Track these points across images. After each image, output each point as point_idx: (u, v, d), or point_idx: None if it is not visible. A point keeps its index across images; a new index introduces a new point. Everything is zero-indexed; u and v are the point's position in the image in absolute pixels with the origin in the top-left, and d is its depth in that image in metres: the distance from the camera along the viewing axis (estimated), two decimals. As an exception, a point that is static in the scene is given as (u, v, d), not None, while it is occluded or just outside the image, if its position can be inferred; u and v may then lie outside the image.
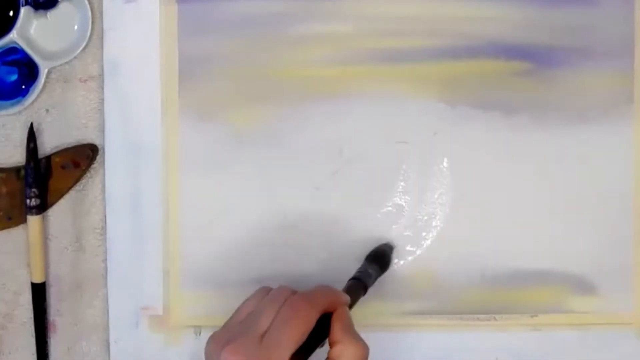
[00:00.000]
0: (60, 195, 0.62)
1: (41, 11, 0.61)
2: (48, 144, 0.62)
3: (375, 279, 0.58)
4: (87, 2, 0.60)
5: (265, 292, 0.52)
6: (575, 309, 0.61)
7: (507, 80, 0.61)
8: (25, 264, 0.62)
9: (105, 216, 0.62)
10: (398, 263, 0.61)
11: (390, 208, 0.62)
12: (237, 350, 0.47)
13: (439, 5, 0.61)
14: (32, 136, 0.60)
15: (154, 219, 0.61)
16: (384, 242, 0.61)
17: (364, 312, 0.61)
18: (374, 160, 0.62)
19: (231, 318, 0.52)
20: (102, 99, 0.61)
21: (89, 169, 0.62)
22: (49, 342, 0.62)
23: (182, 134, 0.61)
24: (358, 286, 0.56)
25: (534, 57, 0.61)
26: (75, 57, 0.61)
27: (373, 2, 0.61)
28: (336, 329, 0.50)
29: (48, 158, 0.61)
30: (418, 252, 0.62)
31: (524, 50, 0.61)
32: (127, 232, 0.62)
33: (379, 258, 0.60)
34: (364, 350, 0.49)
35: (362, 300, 0.61)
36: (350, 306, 0.54)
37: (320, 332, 0.50)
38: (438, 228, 0.62)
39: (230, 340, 0.48)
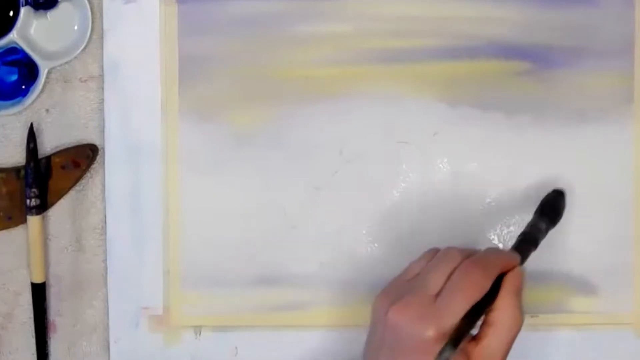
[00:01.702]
0: (60, 195, 0.62)
1: (41, 11, 0.61)
2: (48, 144, 0.62)
3: (547, 231, 0.56)
4: (87, 2, 0.60)
5: (434, 253, 0.52)
6: (575, 309, 0.61)
7: (507, 80, 0.61)
8: (25, 264, 0.62)
9: (105, 216, 0.62)
10: (398, 263, 0.61)
11: (390, 208, 0.62)
12: (407, 308, 0.47)
13: (439, 5, 0.61)
14: (32, 136, 0.60)
15: (154, 219, 0.61)
16: (552, 188, 0.59)
17: (364, 313, 0.61)
18: (374, 160, 0.62)
19: (398, 277, 0.52)
20: (102, 99, 0.61)
21: (89, 169, 0.62)
22: (49, 342, 0.62)
23: (182, 134, 0.61)
24: (528, 242, 0.55)
25: (534, 57, 0.61)
26: (75, 57, 0.61)
27: (373, 2, 0.61)
28: (502, 294, 0.49)
29: (48, 158, 0.61)
30: (418, 252, 0.61)
31: (524, 50, 0.61)
32: (127, 232, 0.62)
33: (548, 209, 0.58)
34: (519, 323, 0.49)
35: (362, 301, 0.61)
36: (521, 263, 0.53)
37: (489, 294, 0.49)
38: (438, 228, 0.62)
39: (398, 298, 0.48)
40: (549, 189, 0.59)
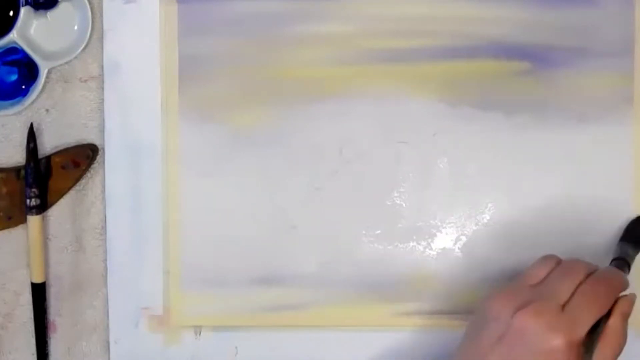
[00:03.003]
0: (60, 195, 0.62)
1: (41, 11, 0.61)
2: (48, 144, 0.62)
3: (634, 256, 0.58)
4: (87, 2, 0.60)
5: (554, 261, 0.53)
6: (575, 309, 0.61)
7: (507, 80, 0.61)
8: (25, 264, 0.62)
9: (105, 216, 0.62)
10: (398, 263, 0.61)
11: (390, 208, 0.62)
12: (538, 314, 0.48)
13: (439, 5, 0.61)
14: (32, 136, 0.60)
15: (154, 219, 0.61)
16: (635, 216, 0.61)
17: (364, 313, 0.61)
18: (374, 160, 0.62)
19: (517, 281, 0.52)
20: (102, 99, 0.61)
21: (89, 169, 0.62)
22: (49, 342, 0.62)
23: (182, 134, 0.61)
24: (624, 268, 0.56)
25: (534, 57, 0.61)
26: (75, 57, 0.61)
27: (373, 2, 0.61)
28: (614, 317, 0.50)
29: (48, 158, 0.61)
30: (418, 252, 0.62)
31: (524, 50, 0.61)
32: (127, 232, 0.62)
33: (633, 236, 0.59)
34: (622, 346, 0.50)
35: (362, 301, 0.61)
36: None
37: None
38: (438, 228, 0.62)
39: (526, 303, 0.49)
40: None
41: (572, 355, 0.48)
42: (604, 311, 0.50)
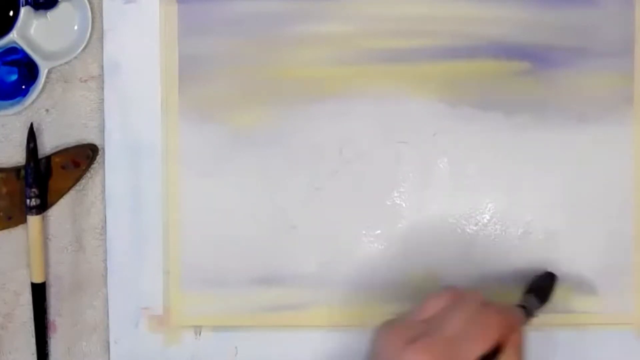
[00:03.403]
0: (60, 195, 0.62)
1: (41, 11, 0.61)
2: (48, 144, 0.62)
3: (537, 310, 0.57)
4: (87, 2, 0.60)
5: (452, 293, 0.52)
6: (575, 309, 0.61)
7: (507, 80, 0.61)
8: (25, 264, 0.62)
9: (105, 216, 0.62)
10: (398, 263, 0.61)
11: (390, 208, 0.62)
12: (427, 350, 0.47)
13: (439, 5, 0.61)
14: (32, 136, 0.60)
15: (154, 219, 0.61)
16: (545, 271, 0.60)
17: (364, 313, 0.61)
18: (374, 160, 0.62)
19: (411, 314, 0.52)
20: (102, 99, 0.61)
21: (89, 169, 0.62)
22: (49, 342, 0.62)
23: (182, 134, 0.61)
24: (526, 310, 0.55)
25: (534, 57, 0.61)
26: (75, 57, 0.61)
27: (373, 2, 0.61)
28: (508, 351, 0.50)
29: (48, 158, 0.61)
30: (418, 252, 0.62)
31: (524, 50, 0.61)
32: (127, 232, 0.62)
33: (539, 291, 0.58)
34: None
35: (362, 301, 0.61)
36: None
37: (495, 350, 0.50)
38: (438, 228, 0.62)
39: (416, 338, 0.48)
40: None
41: None
42: (491, 344, 0.49)
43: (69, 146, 0.62)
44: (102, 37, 0.61)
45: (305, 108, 0.61)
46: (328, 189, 0.62)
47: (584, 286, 0.61)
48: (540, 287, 0.59)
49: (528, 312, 0.55)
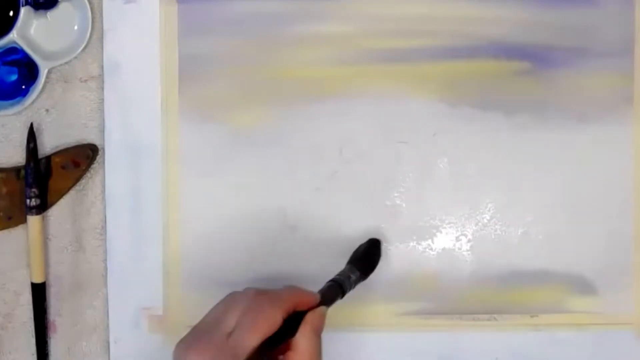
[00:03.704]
0: (60, 195, 0.62)
1: (41, 11, 0.61)
2: (48, 144, 0.62)
3: (356, 282, 0.57)
4: (87, 2, 0.60)
5: (232, 296, 0.52)
6: (575, 309, 0.61)
7: (507, 80, 0.61)
8: (25, 264, 0.62)
9: (105, 216, 0.62)
10: (398, 263, 0.61)
11: (390, 208, 0.62)
12: (203, 350, 0.48)
13: (439, 5, 0.61)
14: (32, 136, 0.60)
15: (154, 219, 0.61)
16: (371, 237, 0.60)
17: (364, 313, 0.61)
18: (374, 160, 0.62)
19: (198, 323, 0.51)
20: (102, 99, 0.61)
21: (89, 169, 0.62)
22: (49, 342, 0.62)
23: (182, 134, 0.61)
24: (335, 289, 0.55)
25: (534, 57, 0.61)
26: (75, 57, 0.61)
27: (373, 2, 0.61)
28: (300, 332, 0.50)
29: (48, 158, 0.61)
30: (418, 252, 0.62)
31: (524, 50, 0.61)
32: (127, 232, 0.62)
33: (360, 261, 0.58)
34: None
35: (362, 301, 0.61)
36: (324, 305, 0.53)
37: (286, 332, 0.50)
38: (438, 228, 0.62)
39: (195, 342, 0.48)
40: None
41: None
42: (267, 328, 0.49)
43: (69, 146, 0.62)
44: (102, 37, 0.61)
45: (305, 108, 0.61)
46: (328, 189, 0.62)
47: (584, 286, 0.61)
48: (359, 258, 0.59)
49: (339, 287, 0.55)
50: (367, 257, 0.59)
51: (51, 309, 0.62)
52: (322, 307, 0.52)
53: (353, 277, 0.56)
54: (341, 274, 0.56)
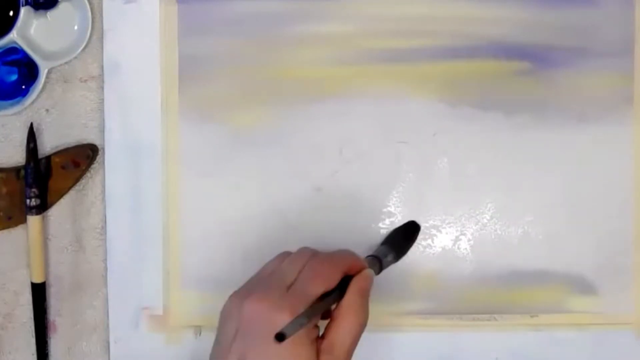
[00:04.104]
0: (60, 195, 0.62)
1: (41, 11, 0.61)
2: (48, 144, 0.62)
3: (390, 264, 0.58)
4: (87, 2, 0.60)
5: (286, 254, 0.54)
6: (575, 309, 0.61)
7: (507, 80, 0.61)
8: (25, 264, 0.62)
9: (105, 216, 0.62)
10: (398, 263, 0.61)
11: (390, 208, 0.62)
12: (262, 299, 0.49)
13: (439, 5, 0.61)
14: (32, 136, 0.60)
15: (154, 219, 0.61)
16: (408, 220, 0.61)
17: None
18: (374, 160, 0.62)
19: (252, 277, 0.53)
20: (102, 99, 0.61)
21: (89, 169, 0.62)
22: (49, 342, 0.62)
23: (182, 134, 0.61)
24: (374, 264, 0.56)
25: (534, 57, 0.61)
26: (75, 57, 0.61)
27: (373, 2, 0.61)
28: (348, 293, 0.51)
29: (48, 158, 0.61)
30: (418, 252, 0.62)
31: (524, 50, 0.61)
32: (127, 232, 0.62)
33: (397, 243, 0.60)
34: (361, 322, 0.51)
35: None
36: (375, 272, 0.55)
37: (339, 292, 0.51)
38: (438, 228, 0.62)
39: (253, 292, 0.50)
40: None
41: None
42: (325, 284, 0.50)
43: (69, 146, 0.62)
44: (102, 37, 0.61)
45: (305, 108, 0.61)
46: (328, 189, 0.62)
47: (584, 286, 0.61)
48: (396, 240, 0.60)
49: (378, 262, 0.56)
50: (403, 239, 0.60)
51: (51, 309, 0.62)
52: (369, 270, 0.54)
53: (389, 257, 0.58)
54: (378, 251, 0.58)
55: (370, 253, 0.58)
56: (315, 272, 0.51)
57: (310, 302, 0.49)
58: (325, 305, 0.50)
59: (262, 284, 0.51)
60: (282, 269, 0.52)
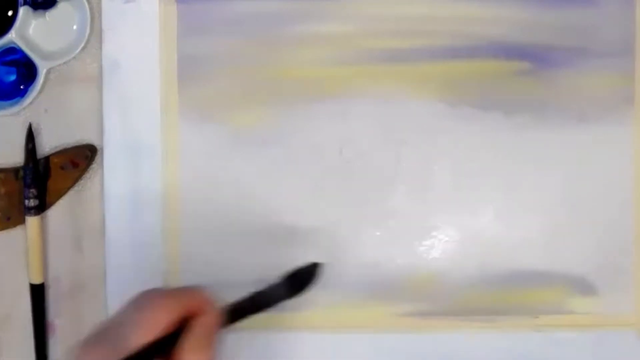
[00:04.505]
0: (59, 195, 0.62)
1: (40, 11, 0.61)
2: (47, 145, 0.62)
3: (281, 300, 0.53)
4: (86, 2, 0.60)
5: (135, 294, 0.50)
6: (575, 310, 0.61)
7: (507, 80, 0.61)
8: (24, 264, 0.62)
9: (104, 217, 0.62)
10: (398, 263, 0.61)
11: (390, 208, 0.62)
12: (95, 345, 0.46)
13: (439, 5, 0.61)
14: (30, 136, 0.60)
15: (153, 219, 0.61)
16: (310, 263, 0.55)
17: (363, 314, 0.61)
18: (374, 160, 0.61)
19: (101, 323, 0.50)
20: (101, 99, 0.61)
21: (88, 169, 0.62)
22: (48, 343, 0.62)
23: (181, 134, 0.61)
24: (252, 301, 0.52)
25: (534, 57, 0.61)
26: (74, 57, 0.61)
27: (373, 2, 0.61)
28: (198, 335, 0.47)
29: (47, 158, 0.61)
30: (418, 253, 0.62)
31: (524, 50, 0.61)
32: (126, 233, 0.61)
33: (290, 277, 0.54)
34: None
35: (361, 302, 0.61)
36: (232, 319, 0.51)
37: (173, 339, 0.47)
38: (438, 228, 0.62)
39: (87, 341, 0.47)
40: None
41: None
42: (149, 328, 0.46)
43: (67, 146, 0.62)
44: (101, 37, 0.61)
45: (305, 108, 0.61)
46: (328, 189, 0.62)
47: (585, 287, 0.61)
48: (295, 279, 0.54)
49: (263, 300, 0.52)
50: (299, 275, 0.54)
51: (50, 310, 0.62)
52: (214, 313, 0.49)
53: (280, 293, 0.53)
54: (270, 286, 0.53)
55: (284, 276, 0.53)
56: (144, 314, 0.47)
57: (126, 349, 0.45)
58: (146, 357, 0.46)
59: (98, 331, 0.48)
60: (117, 314, 0.48)
